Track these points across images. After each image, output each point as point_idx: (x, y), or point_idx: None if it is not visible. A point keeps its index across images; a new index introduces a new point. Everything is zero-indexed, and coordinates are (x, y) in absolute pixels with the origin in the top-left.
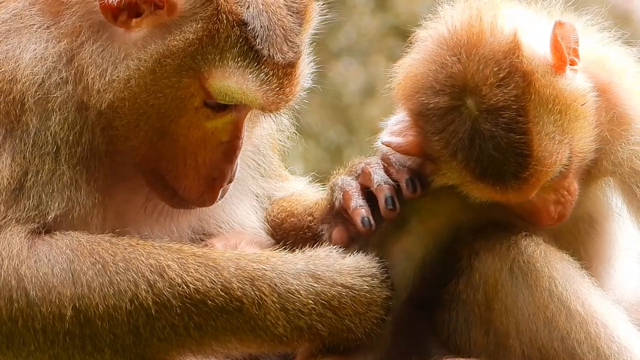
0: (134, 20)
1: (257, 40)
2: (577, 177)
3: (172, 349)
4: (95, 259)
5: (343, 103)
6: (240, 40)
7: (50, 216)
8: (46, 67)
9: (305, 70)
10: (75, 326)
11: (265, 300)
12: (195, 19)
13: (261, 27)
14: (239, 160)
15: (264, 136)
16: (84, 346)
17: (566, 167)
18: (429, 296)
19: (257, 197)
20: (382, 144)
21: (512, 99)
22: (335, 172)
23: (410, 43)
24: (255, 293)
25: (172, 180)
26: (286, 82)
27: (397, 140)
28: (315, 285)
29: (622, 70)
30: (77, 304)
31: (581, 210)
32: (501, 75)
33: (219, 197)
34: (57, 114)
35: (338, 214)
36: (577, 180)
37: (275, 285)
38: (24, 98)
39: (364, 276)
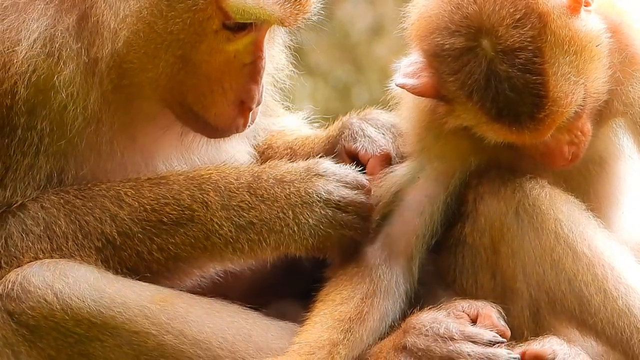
0: None
1: None
2: (590, 118)
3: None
4: (67, 208)
5: (351, 42)
6: None
7: (20, 202)
8: (54, 45)
9: None
10: None
11: (210, 201)
12: None
13: None
14: (263, 82)
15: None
16: None
17: (581, 107)
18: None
19: (257, 136)
20: (397, 85)
21: (528, 40)
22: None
23: None
24: (203, 196)
25: (201, 110)
26: None
27: (411, 81)
28: (250, 178)
29: (632, 11)
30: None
31: (592, 151)
32: (517, 16)
33: (249, 121)
34: (63, 91)
35: (339, 154)
36: (590, 122)
37: (218, 185)
38: (17, 87)
39: (310, 174)
